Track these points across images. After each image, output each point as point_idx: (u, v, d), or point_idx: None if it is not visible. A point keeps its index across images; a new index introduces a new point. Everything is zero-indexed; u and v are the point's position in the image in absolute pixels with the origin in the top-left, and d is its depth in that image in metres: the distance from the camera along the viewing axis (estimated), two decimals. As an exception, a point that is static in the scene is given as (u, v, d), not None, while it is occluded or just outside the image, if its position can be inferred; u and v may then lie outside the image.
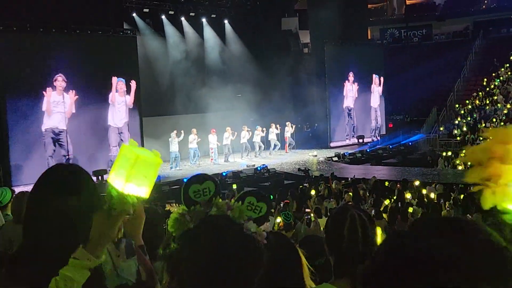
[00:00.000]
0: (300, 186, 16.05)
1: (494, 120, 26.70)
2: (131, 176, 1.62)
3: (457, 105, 29.88)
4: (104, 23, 19.36)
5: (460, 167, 21.45)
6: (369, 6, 34.78)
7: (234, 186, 15.15)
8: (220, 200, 1.51)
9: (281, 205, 11.96)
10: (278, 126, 23.69)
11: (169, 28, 24.12)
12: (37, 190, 1.89)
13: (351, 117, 27.19)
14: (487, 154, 1.76)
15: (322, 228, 9.01)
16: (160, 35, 23.86)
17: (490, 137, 1.80)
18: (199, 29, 25.22)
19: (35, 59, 17.22)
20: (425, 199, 12.92)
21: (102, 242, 1.68)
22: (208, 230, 1.37)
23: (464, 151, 2.04)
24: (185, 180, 16.80)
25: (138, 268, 1.99)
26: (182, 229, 1.40)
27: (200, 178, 1.60)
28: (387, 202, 11.61)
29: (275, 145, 24.01)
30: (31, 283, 1.73)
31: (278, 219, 10.35)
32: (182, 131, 20.61)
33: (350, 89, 26.90)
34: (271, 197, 13.71)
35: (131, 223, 2.06)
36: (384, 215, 10.62)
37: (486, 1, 38.35)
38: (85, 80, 18.30)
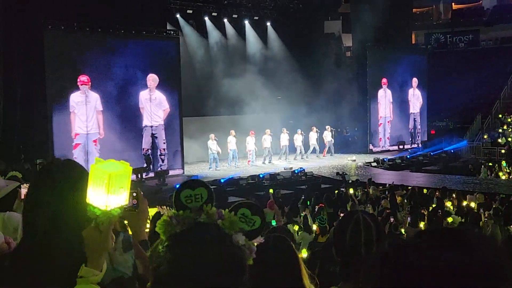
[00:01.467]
0: (336, 191, 15.93)
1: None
2: (110, 193, 1.67)
3: (500, 115, 29.05)
4: (148, 23, 19.70)
5: (503, 177, 20.89)
6: (414, 10, 34.20)
7: (271, 191, 15.12)
8: (212, 208, 1.49)
9: (316, 209, 11.92)
10: (317, 130, 23.58)
11: (211, 29, 24.37)
12: (35, 184, 1.94)
13: (386, 124, 26.83)
14: None
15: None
16: (202, 36, 24.16)
17: None
18: (241, 31, 25.40)
19: (77, 57, 17.65)
20: (465, 208, 12.63)
21: (100, 255, 1.72)
22: (193, 236, 1.35)
23: None
24: (222, 180, 16.99)
25: (134, 262, 2.02)
26: (169, 233, 1.39)
27: (193, 184, 1.59)
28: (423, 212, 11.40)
29: (314, 149, 23.91)
30: (29, 282, 1.78)
31: (314, 226, 10.32)
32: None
33: (383, 95, 26.51)
34: (308, 202, 13.66)
35: (135, 218, 2.11)
36: (422, 223, 10.45)
37: (536, 7, 37.18)
38: (126, 80, 18.62)
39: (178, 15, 23.18)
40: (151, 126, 19.40)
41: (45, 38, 16.79)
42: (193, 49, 23.56)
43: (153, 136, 19.44)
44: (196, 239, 1.34)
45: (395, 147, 26.62)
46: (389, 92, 26.63)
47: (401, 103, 27.24)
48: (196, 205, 1.50)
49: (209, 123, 22.36)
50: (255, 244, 1.51)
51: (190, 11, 23.56)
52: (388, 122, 26.78)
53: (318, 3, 26.06)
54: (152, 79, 19.18)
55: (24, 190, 4.54)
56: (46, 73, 16.85)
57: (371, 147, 25.91)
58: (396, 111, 27.09)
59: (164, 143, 19.66)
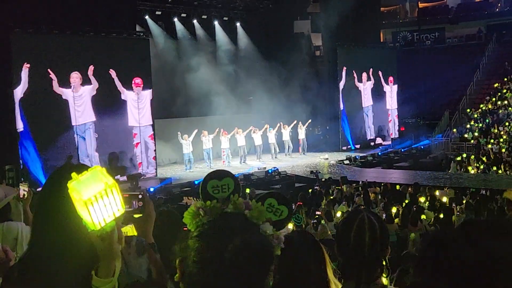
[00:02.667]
0: (310, 190, 16.04)
1: (507, 124, 26.50)
2: (94, 216, 1.57)
3: (468, 110, 29.66)
4: (118, 25, 19.48)
5: (473, 171, 21.34)
6: (382, 9, 34.63)
7: (248, 190, 15.14)
8: (239, 198, 1.49)
9: (293, 207, 11.93)
10: (286, 126, 23.67)
11: (181, 30, 24.23)
12: (46, 191, 1.89)
13: (367, 118, 27.26)
14: None
15: (329, 232, 9.01)
16: (172, 38, 23.99)
17: None
18: (211, 32, 25.32)
19: (49, 60, 17.34)
20: (437, 203, 12.85)
21: (110, 261, 1.68)
22: (221, 226, 1.35)
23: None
24: (196, 182, 16.91)
25: (149, 266, 2.01)
26: (196, 224, 1.39)
27: (219, 174, 1.58)
28: (394, 209, 11.54)
29: (289, 147, 24.02)
30: None
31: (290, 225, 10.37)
32: (195, 131, 20.65)
33: (363, 88, 26.92)
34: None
35: (142, 222, 2.09)
36: (396, 220, 10.59)
37: (499, 4, 38.04)
38: (98, 81, 18.38)
39: (147, 17, 22.98)
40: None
41: (11, 41, 16.47)
42: (163, 50, 23.37)
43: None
44: (224, 229, 1.34)
45: (368, 143, 27.02)
46: (368, 85, 27.04)
47: (375, 101, 27.61)
48: (223, 195, 1.50)
49: (180, 124, 22.23)
50: (282, 234, 1.51)
51: (159, 13, 23.40)
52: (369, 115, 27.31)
53: (287, 3, 26.15)
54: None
55: (22, 189, 4.43)
56: (13, 75, 16.52)
57: (344, 145, 26.23)
58: (373, 108, 27.53)
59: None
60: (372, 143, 26.95)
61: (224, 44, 25.69)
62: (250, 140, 22.74)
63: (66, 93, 17.69)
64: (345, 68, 26.13)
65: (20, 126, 16.68)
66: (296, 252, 2.21)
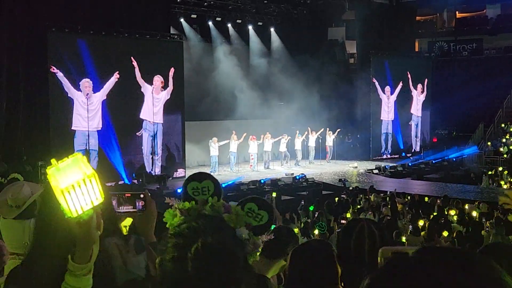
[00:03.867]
0: (336, 198, 15.92)
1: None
2: (70, 204, 1.58)
3: (503, 124, 28.99)
4: (152, 27, 19.75)
5: (505, 186, 20.83)
6: (418, 18, 34.20)
7: (274, 194, 15.13)
8: (219, 201, 1.49)
9: (316, 215, 11.89)
10: (314, 132, 23.56)
11: (215, 34, 24.41)
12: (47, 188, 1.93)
13: (388, 131, 26.88)
14: None
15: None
16: (206, 41, 24.18)
17: None
18: (245, 36, 25.44)
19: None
20: (467, 217, 12.59)
21: (87, 247, 1.70)
22: (193, 227, 1.35)
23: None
24: (223, 185, 17.02)
25: (147, 264, 2.02)
26: (174, 224, 1.40)
27: (200, 177, 1.59)
28: (421, 222, 11.34)
29: (309, 154, 23.90)
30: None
31: (316, 231, 10.31)
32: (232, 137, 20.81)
33: (386, 102, 26.55)
34: (311, 208, 13.63)
35: (143, 220, 2.10)
36: (423, 233, 10.42)
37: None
38: (130, 83, 18.67)
39: (182, 20, 23.22)
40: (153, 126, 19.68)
41: (49, 40, 16.86)
42: (197, 53, 23.56)
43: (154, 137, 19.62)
44: (195, 230, 1.34)
45: (397, 155, 26.64)
46: (392, 99, 26.64)
47: (405, 110, 27.23)
48: (203, 197, 1.51)
49: (211, 127, 22.36)
50: (262, 240, 1.51)
51: (194, 16, 23.61)
52: (391, 129, 26.83)
53: (322, 9, 26.09)
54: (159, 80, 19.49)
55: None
56: (48, 75, 16.90)
57: (374, 154, 25.93)
58: (401, 118, 27.12)
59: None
60: (403, 154, 26.60)
61: (257, 49, 25.76)
62: (276, 146, 22.74)
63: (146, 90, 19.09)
64: (378, 78, 25.88)
65: (99, 125, 18.18)
66: (311, 259, 2.25)
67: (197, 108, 22.07)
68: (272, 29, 26.16)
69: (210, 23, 24.27)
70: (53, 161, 1.59)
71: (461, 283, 0.90)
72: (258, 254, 1.46)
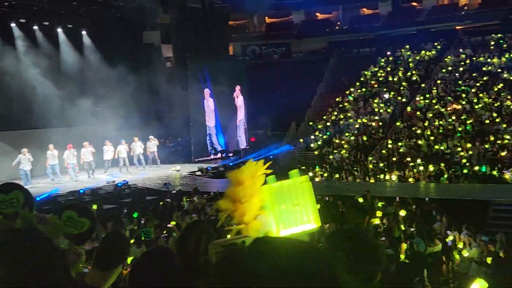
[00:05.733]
0: (161, 202, 15.77)
1: (347, 134, 28.38)
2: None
3: (311, 122, 31.28)
4: None
5: (317, 179, 22.49)
6: (231, 22, 35.43)
7: (95, 207, 14.36)
8: (31, 212, 1.34)
9: (142, 222, 11.62)
10: (136, 138, 23.14)
11: (19, 36, 22.52)
12: None
13: (211, 133, 27.43)
14: (231, 199, 2.09)
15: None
16: (9, 44, 22.13)
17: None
18: (54, 39, 23.88)
19: None
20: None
21: None
22: (7, 244, 1.20)
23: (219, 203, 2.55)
24: (37, 199, 15.77)
25: None
26: None
27: (7, 188, 1.41)
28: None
29: (139, 159, 23.37)
30: None
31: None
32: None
33: (206, 105, 27.09)
34: (135, 215, 13.19)
35: None
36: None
37: (339, 23, 40.89)
38: None
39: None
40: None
41: None
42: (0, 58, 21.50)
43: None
44: (11, 247, 1.19)
45: (219, 155, 27.27)
46: (211, 101, 27.15)
47: (225, 112, 27.91)
48: (12, 211, 1.36)
49: (22, 137, 20.60)
50: (85, 248, 1.40)
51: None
52: (213, 131, 27.37)
53: (136, 13, 25.60)
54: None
55: None
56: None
57: (196, 156, 26.20)
58: (224, 120, 27.77)
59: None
60: (223, 154, 27.29)
61: (68, 53, 24.37)
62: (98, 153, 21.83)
63: None
64: (195, 81, 26.19)
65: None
66: (151, 273, 2.18)
67: (4, 117, 20.19)
68: (84, 32, 24.99)
69: (12, 24, 22.33)
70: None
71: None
72: (81, 265, 1.34)
